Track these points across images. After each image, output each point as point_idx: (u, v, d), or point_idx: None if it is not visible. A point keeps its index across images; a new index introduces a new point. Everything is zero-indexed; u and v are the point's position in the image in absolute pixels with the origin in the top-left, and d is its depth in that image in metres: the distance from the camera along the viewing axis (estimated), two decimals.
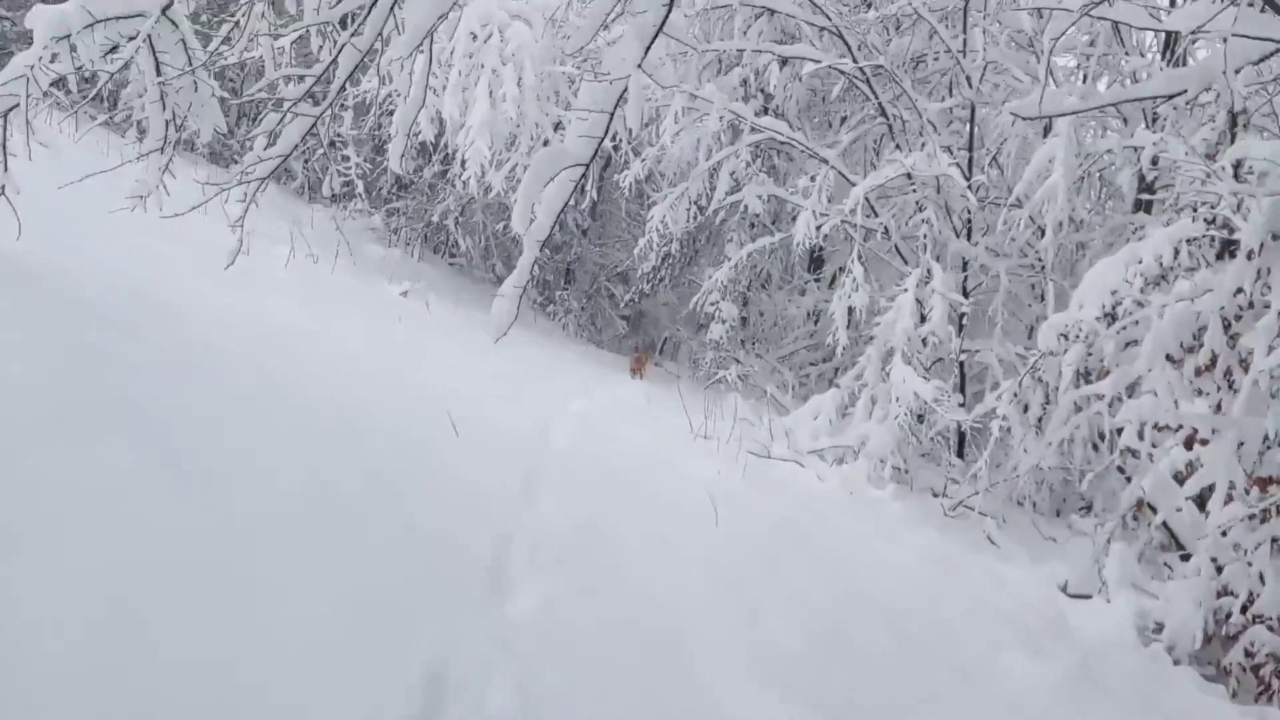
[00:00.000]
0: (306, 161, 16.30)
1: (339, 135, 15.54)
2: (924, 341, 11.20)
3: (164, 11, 4.79)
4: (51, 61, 4.75)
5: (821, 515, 6.26)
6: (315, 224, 14.31)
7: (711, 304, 13.60)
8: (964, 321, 11.50)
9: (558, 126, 12.40)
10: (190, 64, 4.88)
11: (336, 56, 4.37)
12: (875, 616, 4.64)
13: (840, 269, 18.63)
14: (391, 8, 4.25)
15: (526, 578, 3.83)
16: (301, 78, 4.54)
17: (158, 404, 3.87)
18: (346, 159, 15.29)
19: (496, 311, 4.79)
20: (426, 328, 8.67)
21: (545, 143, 12.65)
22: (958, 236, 12.84)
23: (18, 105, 4.73)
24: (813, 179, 12.12)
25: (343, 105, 15.76)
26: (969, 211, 13.01)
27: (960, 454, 12.32)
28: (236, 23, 4.31)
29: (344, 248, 12.79)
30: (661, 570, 4.36)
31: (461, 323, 9.92)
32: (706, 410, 8.63)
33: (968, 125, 13.80)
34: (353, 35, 4.30)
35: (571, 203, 15.92)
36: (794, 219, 15.07)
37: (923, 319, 11.33)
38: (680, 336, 20.96)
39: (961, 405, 10.95)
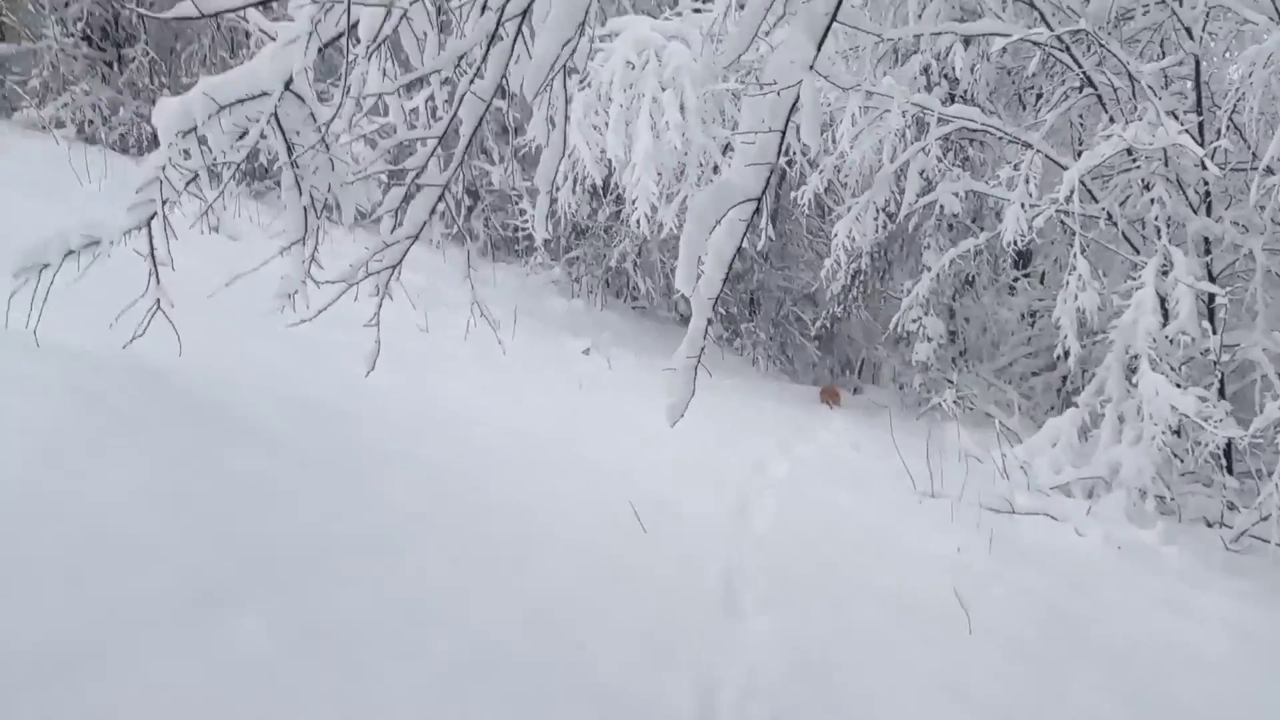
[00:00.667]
0: (487, 221, 16.25)
1: (514, 189, 15.36)
2: (1171, 342, 9.62)
3: (288, 87, 4.31)
4: (185, 159, 4.38)
5: (1091, 591, 5.08)
6: (499, 283, 14.12)
7: (913, 321, 12.35)
8: (1221, 314, 9.74)
9: (726, 149, 11.59)
10: (324, 141, 4.38)
11: (457, 110, 3.72)
12: None
13: (1054, 262, 16.86)
14: (514, 45, 3.57)
15: None
16: (423, 140, 3.93)
17: (301, 546, 3.31)
18: (523, 212, 15.04)
19: (671, 388, 4.00)
20: (609, 388, 8.01)
21: (715, 169, 11.88)
22: (1196, 213, 11.06)
23: (156, 213, 4.39)
24: (1016, 168, 10.71)
25: (504, 157, 15.63)
26: (1205, 183, 11.22)
27: (1230, 469, 10.52)
28: (346, 87, 3.72)
29: (524, 306, 12.44)
30: (911, 714, 3.40)
31: (645, 376, 9.22)
32: (928, 455, 7.52)
33: (1192, 84, 11.95)
34: (472, 82, 3.64)
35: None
36: (998, 215, 13.63)
37: (1166, 315, 9.75)
38: (879, 356, 19.60)
39: (1229, 414, 9.23)
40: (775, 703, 3.29)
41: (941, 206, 12.04)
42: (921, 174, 12.40)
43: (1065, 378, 16.03)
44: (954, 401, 11.39)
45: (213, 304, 4.12)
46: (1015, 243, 10.63)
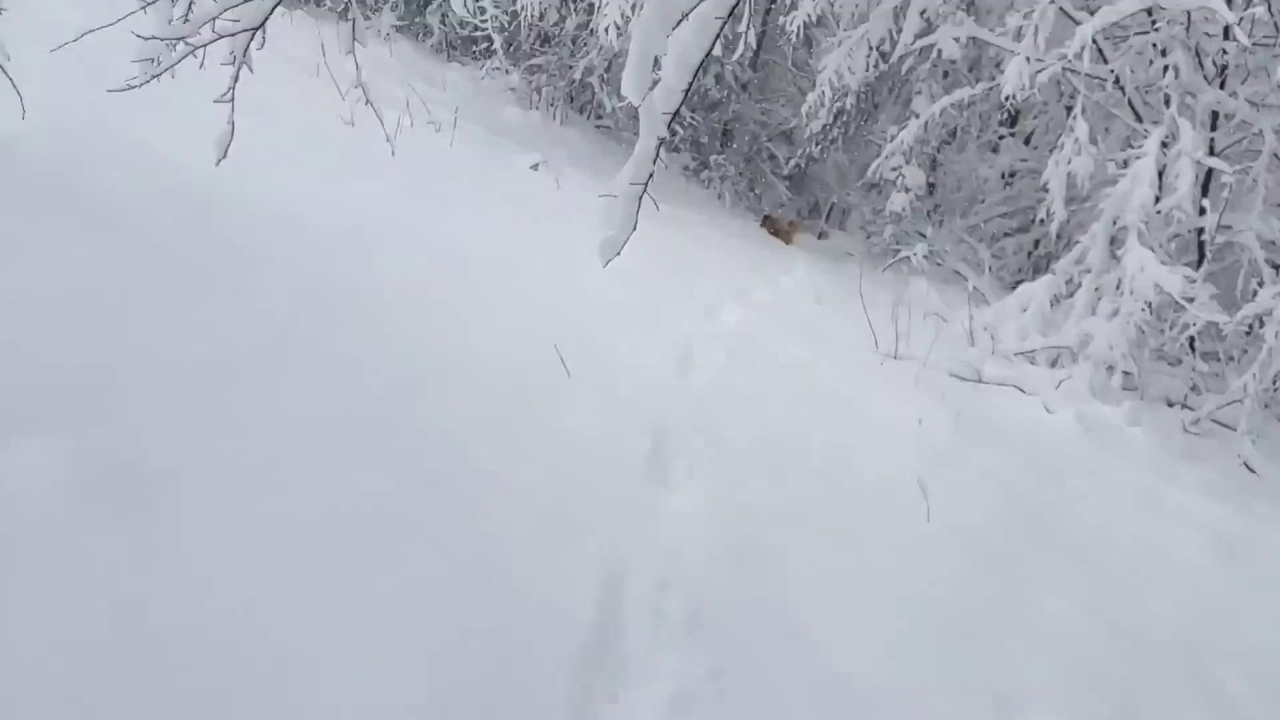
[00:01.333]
0: (444, 19, 14.80)
1: None
2: (1163, 217, 8.96)
3: None
4: None
5: (1059, 479, 4.56)
6: (449, 84, 12.93)
7: (893, 169, 11.51)
8: (1224, 194, 9.05)
9: None
10: None
11: None
12: (1174, 664, 3.03)
13: (1045, 123, 15.92)
14: None
15: (642, 671, 2.39)
16: None
17: (126, 366, 2.59)
18: (482, 10, 13.66)
19: (608, 218, 3.24)
20: (553, 211, 7.16)
21: None
22: (1210, 85, 10.18)
23: None
24: (1026, 17, 9.67)
25: None
26: (1225, 53, 10.29)
27: (1193, 350, 10.08)
28: None
29: (473, 114, 11.38)
30: (853, 619, 2.85)
31: (597, 202, 8.38)
32: (895, 312, 6.88)
33: None
34: None
35: (724, 54, 13.80)
36: (998, 65, 12.61)
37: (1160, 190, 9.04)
38: (851, 202, 18.79)
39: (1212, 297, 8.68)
40: (694, 597, 2.70)
41: (939, 51, 10.98)
42: (923, 14, 11.28)
43: (1038, 241, 15.40)
44: (924, 256, 10.72)
45: (93, 67, 3.23)
46: (1013, 97, 9.72)
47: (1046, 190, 15.23)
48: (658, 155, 3.27)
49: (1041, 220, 15.71)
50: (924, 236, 12.38)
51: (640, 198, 3.28)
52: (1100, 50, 10.14)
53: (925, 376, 5.47)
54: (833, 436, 4.08)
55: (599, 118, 15.00)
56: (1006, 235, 16.28)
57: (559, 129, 13.51)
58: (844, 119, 12.30)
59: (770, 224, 13.01)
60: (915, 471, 3.86)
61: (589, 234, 6.65)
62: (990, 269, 11.76)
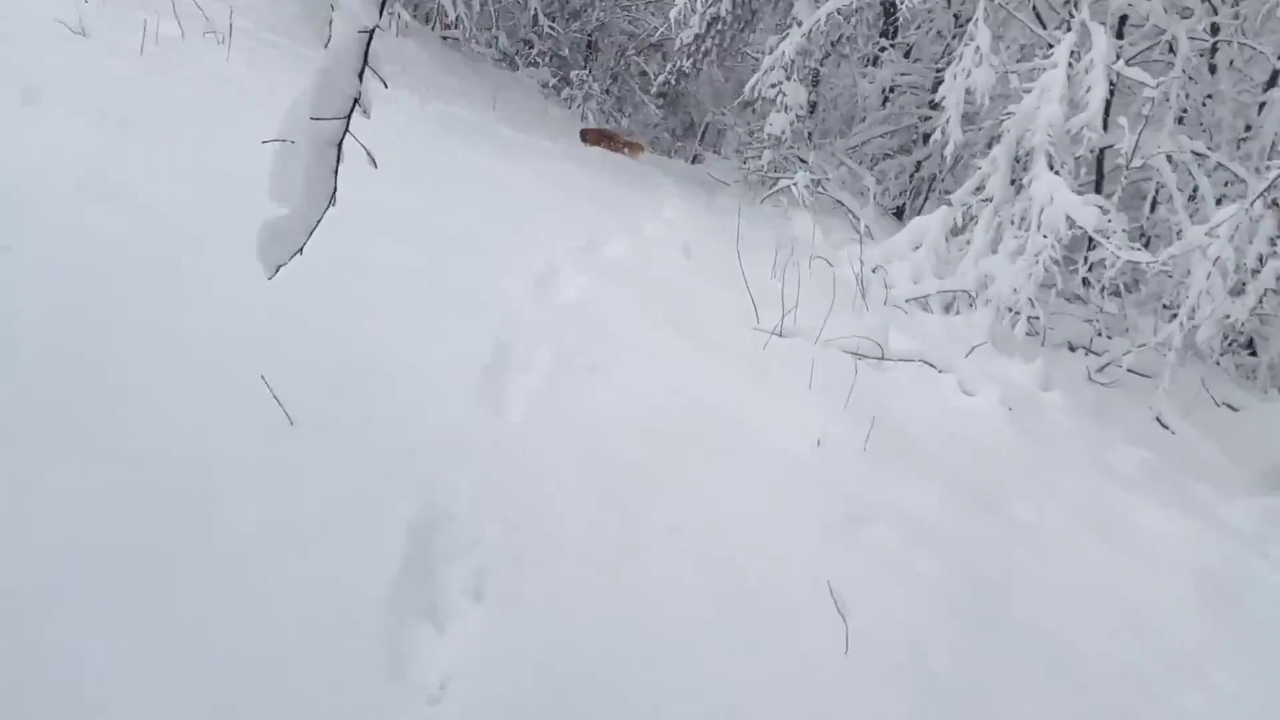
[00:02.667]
0: None
1: None
2: (1071, 138, 7.88)
3: None
4: None
5: (1001, 506, 3.34)
6: None
7: (773, 85, 10.10)
8: (1144, 109, 8.00)
9: None
10: None
11: None
12: None
13: (929, 34, 14.72)
14: None
15: None
16: None
17: None
18: None
19: (279, 184, 1.77)
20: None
21: None
22: None
23: None
24: None
25: None
26: None
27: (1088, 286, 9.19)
28: None
29: (280, 25, 9.41)
30: None
31: (421, 135, 6.72)
32: (776, 265, 5.57)
33: None
34: None
35: None
36: None
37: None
38: (725, 122, 17.36)
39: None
40: None
41: None
42: None
43: (920, 164, 14.35)
44: (805, 186, 9.43)
45: None
46: (912, 3, 8.40)
47: (934, 108, 14.18)
48: (365, 64, 1.84)
49: (926, 140, 14.72)
50: (804, 162, 11.09)
51: (340, 144, 1.85)
52: None
53: (819, 359, 4.19)
54: (705, 501, 2.73)
55: (446, 26, 13.06)
56: (887, 157, 15.20)
57: (395, 41, 11.57)
58: (718, 28, 10.77)
59: (597, 138, 10.94)
60: (821, 558, 2.56)
61: (404, 183, 5.05)
62: (876, 196, 10.57)
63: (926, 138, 14.09)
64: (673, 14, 9.87)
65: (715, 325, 4.31)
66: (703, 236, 6.61)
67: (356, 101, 1.70)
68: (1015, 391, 5.39)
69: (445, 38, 13.16)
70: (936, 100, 13.57)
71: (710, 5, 10.37)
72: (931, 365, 4.76)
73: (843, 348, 4.54)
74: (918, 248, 8.14)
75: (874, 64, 15.68)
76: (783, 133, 10.33)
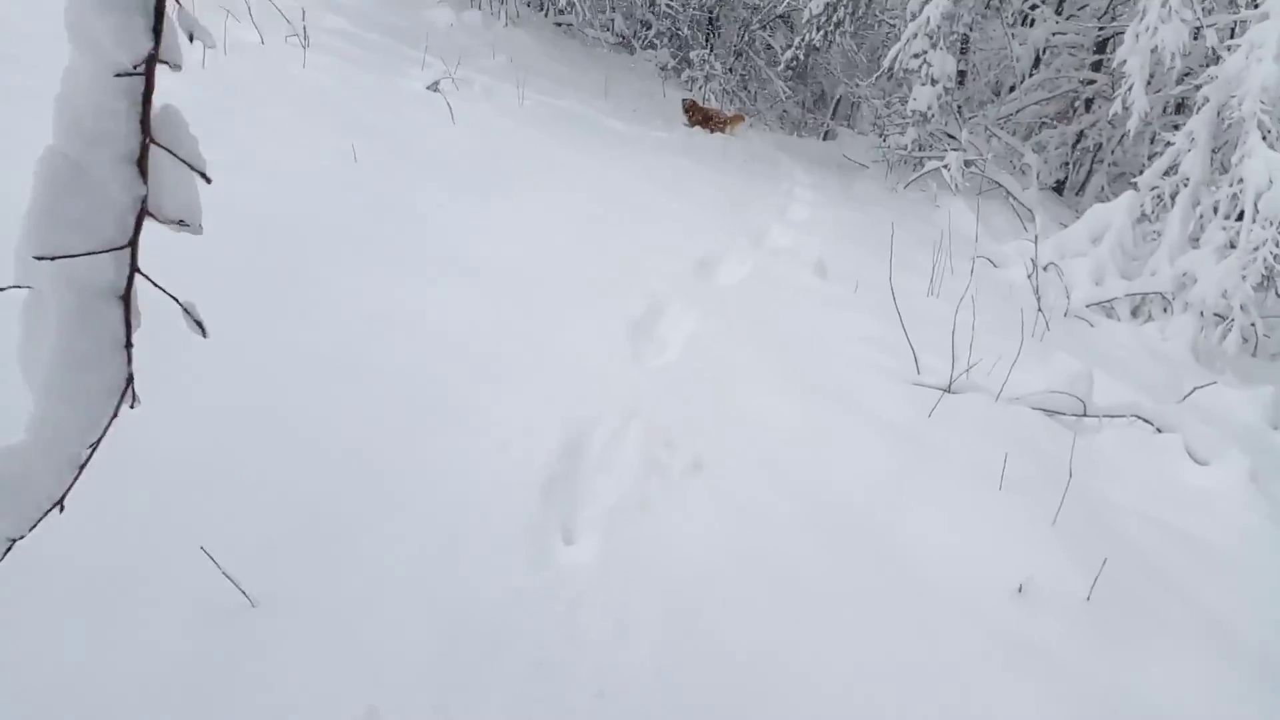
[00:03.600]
0: None
1: None
2: None
3: None
4: None
5: None
6: None
7: (915, 56, 8.85)
8: None
9: None
10: None
11: None
12: None
13: None
14: None
15: None
16: None
17: None
18: None
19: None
20: (410, 162, 4.63)
21: None
22: None
23: None
24: None
25: None
26: None
27: None
28: None
29: (377, 18, 8.78)
30: None
31: (515, 135, 5.89)
32: (933, 273, 4.51)
33: None
34: None
35: None
36: None
37: None
38: (859, 93, 15.98)
39: None
40: None
41: None
42: None
43: (1082, 133, 12.68)
44: (959, 169, 8.19)
45: None
46: None
47: (1097, 70, 12.50)
48: (148, 132, 0.83)
49: (1089, 106, 13.00)
50: (953, 139, 9.78)
51: (128, 295, 0.88)
52: None
53: (1007, 429, 3.15)
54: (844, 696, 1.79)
55: (560, 12, 12.25)
56: (1044, 126, 13.55)
57: (504, 31, 10.83)
58: None
59: (697, 114, 9.64)
60: None
61: (482, 199, 4.21)
62: (1038, 174, 9.18)
63: (1089, 104, 12.45)
64: None
65: (861, 380, 3.31)
66: (840, 243, 5.57)
67: (143, 212, 0.82)
68: (1248, 436, 4.19)
69: (559, 24, 12.36)
70: (1103, 62, 11.95)
71: None
72: (1148, 421, 3.62)
73: (1033, 404, 3.46)
74: (1098, 241, 6.84)
75: (1025, 23, 14.04)
76: (929, 108, 9.08)
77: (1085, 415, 3.57)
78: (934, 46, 8.88)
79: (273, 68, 5.70)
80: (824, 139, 15.83)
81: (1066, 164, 12.18)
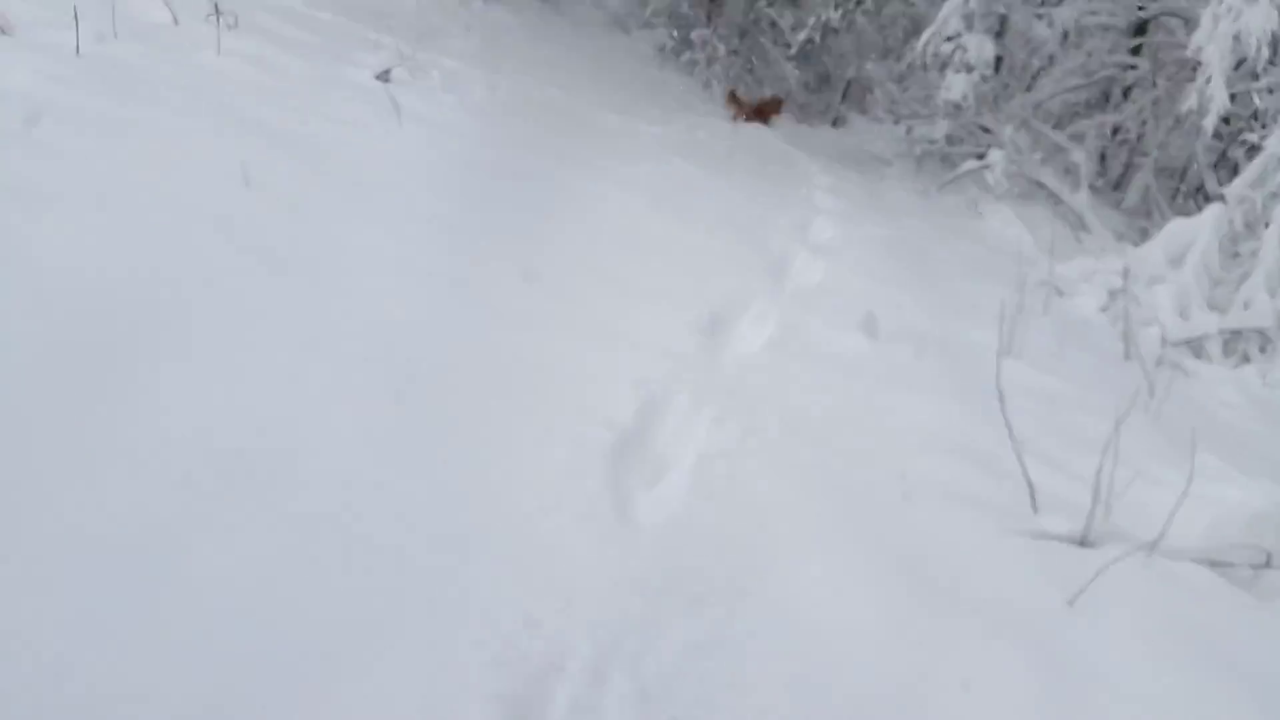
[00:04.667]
0: None
1: None
2: None
3: None
4: None
5: None
6: None
7: (948, 40, 7.69)
8: None
9: None
10: None
11: None
12: None
13: None
14: None
15: None
16: None
17: None
18: None
19: None
20: (324, 192, 3.41)
21: None
22: None
23: None
24: None
25: None
26: None
27: None
28: None
29: None
30: None
31: (474, 140, 4.71)
32: (1003, 314, 3.41)
33: None
34: None
35: None
36: None
37: None
38: (873, 77, 14.75)
39: None
40: None
41: None
42: None
43: (1117, 130, 11.43)
44: (1003, 171, 7.04)
45: None
46: None
47: (1136, 54, 11.29)
48: None
49: (1126, 94, 11.78)
50: (987, 131, 8.63)
51: None
52: None
53: (1175, 607, 2.08)
54: None
55: None
56: (1076, 115, 12.36)
57: (482, 9, 9.64)
58: None
59: (739, 107, 9.64)
60: None
61: (401, 240, 3.06)
62: (1087, 177, 8.02)
63: (1127, 91, 11.24)
64: None
65: (959, 534, 2.21)
66: (881, 275, 4.44)
67: None
68: None
69: (545, 1, 11.12)
70: (1142, 46, 10.72)
71: None
72: None
73: (1198, 557, 2.36)
74: (1178, 263, 5.70)
75: (1056, 1, 12.73)
76: (964, 98, 7.92)
77: (1268, 565, 2.46)
78: (970, 28, 7.71)
79: (176, 55, 4.53)
80: (834, 125, 14.61)
81: (1104, 157, 10.98)
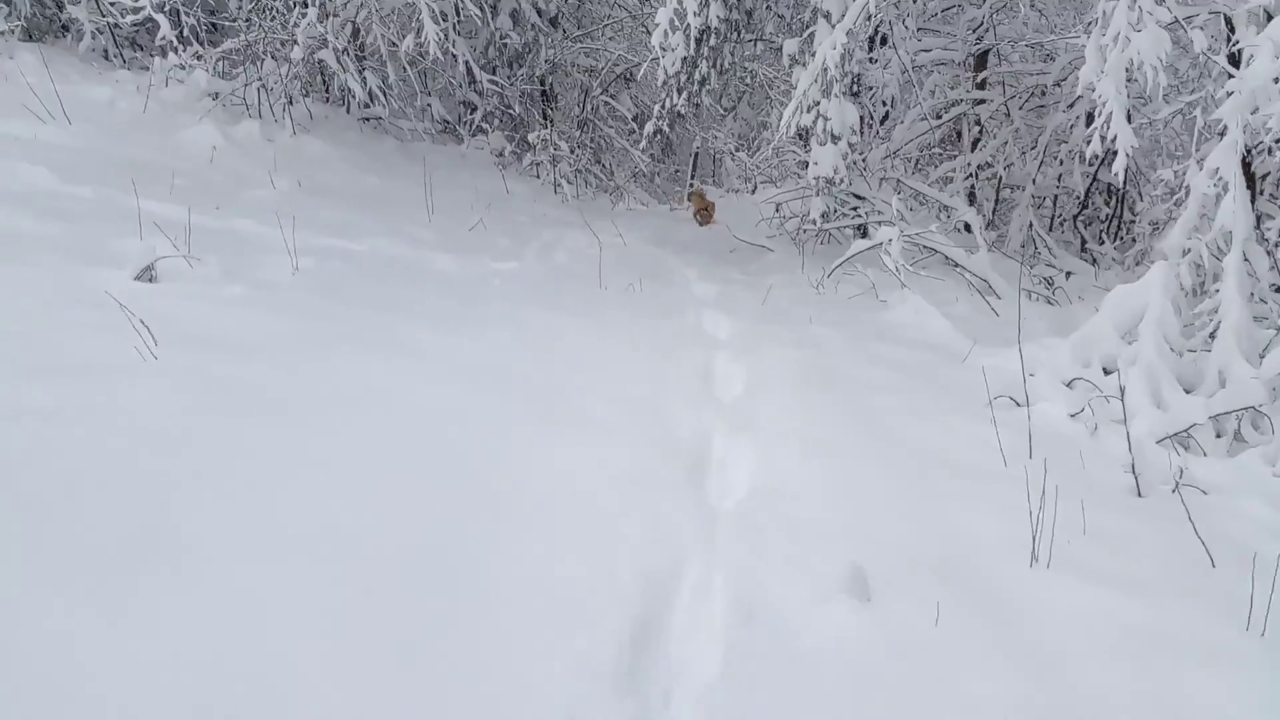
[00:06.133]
0: (98, 3, 9.26)
1: None
2: None
3: None
4: None
5: None
6: (93, 108, 7.72)
7: (808, 110, 6.81)
8: None
9: None
10: None
11: None
12: None
13: None
14: None
15: None
16: None
17: None
18: None
19: None
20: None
21: None
22: None
23: None
24: None
25: None
26: None
27: None
28: None
29: (114, 152, 6.26)
30: None
31: (258, 341, 3.43)
32: (1036, 521, 2.35)
33: None
34: None
35: None
36: None
37: None
38: (721, 147, 14.07)
39: None
40: None
41: None
42: None
43: (979, 167, 10.82)
44: (900, 250, 6.15)
45: None
46: None
47: (981, 88, 10.79)
48: None
49: (979, 131, 11.25)
50: (861, 199, 7.81)
51: None
52: None
53: None
54: None
55: (365, 106, 9.75)
56: (938, 158, 11.82)
57: (292, 143, 8.34)
58: (711, 42, 7.46)
59: (698, 206, 10.27)
60: None
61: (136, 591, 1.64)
62: (982, 233, 7.24)
63: (980, 126, 10.70)
64: (655, 38, 6.58)
65: None
66: (827, 454, 3.31)
67: None
68: None
69: (367, 119, 9.87)
70: (986, 80, 10.23)
71: (698, 12, 7.03)
72: None
73: None
74: (1131, 336, 4.81)
75: (880, 42, 12.19)
76: (835, 171, 7.02)
77: None
78: (827, 94, 6.84)
79: None
80: (696, 219, 13.73)
81: (972, 197, 10.36)
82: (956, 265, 6.87)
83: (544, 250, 6.78)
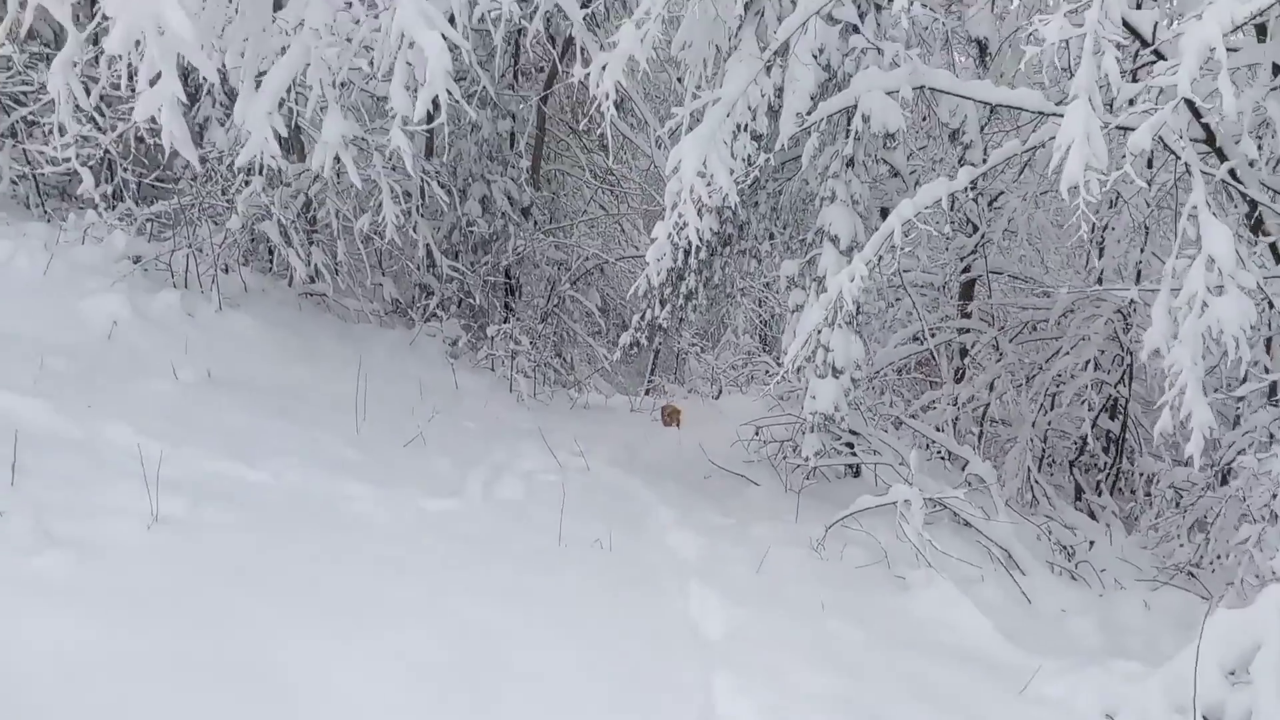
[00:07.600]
0: (25, 152, 8.20)
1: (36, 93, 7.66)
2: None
3: None
4: None
5: None
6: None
7: (812, 349, 5.87)
8: None
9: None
10: None
11: None
12: None
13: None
14: None
15: None
16: None
17: None
18: (63, 130, 7.23)
19: None
20: None
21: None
22: None
23: None
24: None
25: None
26: None
27: None
28: None
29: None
30: None
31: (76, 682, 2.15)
32: None
33: None
34: None
35: (500, 167, 8.19)
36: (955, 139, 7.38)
37: None
38: (687, 348, 13.23)
39: None
40: None
41: (865, 117, 5.65)
42: (820, 53, 5.96)
43: (961, 375, 10.05)
44: (920, 517, 5.03)
45: None
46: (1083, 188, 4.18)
47: (966, 316, 10.13)
48: None
49: (964, 354, 10.53)
50: (858, 436, 6.79)
51: None
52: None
53: None
54: None
55: (309, 280, 8.63)
56: (912, 383, 11.08)
57: (215, 319, 7.14)
58: (700, 256, 6.59)
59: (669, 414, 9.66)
60: None
61: None
62: (999, 490, 6.21)
63: (964, 353, 9.98)
64: (650, 254, 5.64)
65: None
66: None
67: None
68: None
69: (308, 294, 8.75)
70: (971, 310, 9.64)
71: (706, 210, 6.13)
72: None
73: None
74: (1241, 678, 3.66)
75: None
76: (835, 408, 6.00)
77: None
78: (830, 324, 5.91)
79: None
80: (647, 394, 12.74)
81: (955, 429, 9.44)
82: (965, 520, 5.79)
83: (493, 476, 5.54)
